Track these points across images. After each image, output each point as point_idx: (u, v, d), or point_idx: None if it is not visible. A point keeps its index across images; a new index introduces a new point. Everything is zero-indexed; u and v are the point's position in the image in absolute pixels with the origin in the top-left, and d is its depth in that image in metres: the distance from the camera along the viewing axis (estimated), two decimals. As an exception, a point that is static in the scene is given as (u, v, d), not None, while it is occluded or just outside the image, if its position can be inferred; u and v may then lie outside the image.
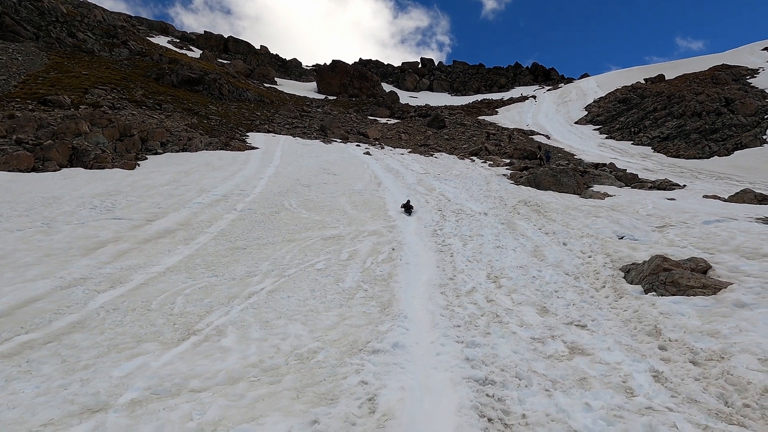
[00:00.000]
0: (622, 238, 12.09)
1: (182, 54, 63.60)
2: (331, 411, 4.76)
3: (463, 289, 9.51)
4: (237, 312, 8.97)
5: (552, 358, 6.01)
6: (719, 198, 18.18)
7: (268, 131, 41.71)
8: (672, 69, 71.16)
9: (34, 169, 21.54)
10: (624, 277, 9.38)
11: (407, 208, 17.52)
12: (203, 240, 15.04)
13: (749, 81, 53.89)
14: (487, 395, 4.95)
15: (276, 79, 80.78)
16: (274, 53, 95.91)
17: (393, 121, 57.74)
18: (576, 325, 7.22)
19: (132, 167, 23.85)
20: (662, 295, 8.02)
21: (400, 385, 5.29)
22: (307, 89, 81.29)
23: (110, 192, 20.19)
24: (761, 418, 4.32)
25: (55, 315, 8.99)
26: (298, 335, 7.56)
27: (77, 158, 22.95)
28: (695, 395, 4.83)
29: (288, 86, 79.48)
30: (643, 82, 66.55)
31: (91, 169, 22.84)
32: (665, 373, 5.39)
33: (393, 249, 12.79)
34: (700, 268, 8.86)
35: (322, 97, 73.69)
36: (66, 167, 22.60)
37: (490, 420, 4.40)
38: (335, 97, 74.13)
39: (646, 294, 8.27)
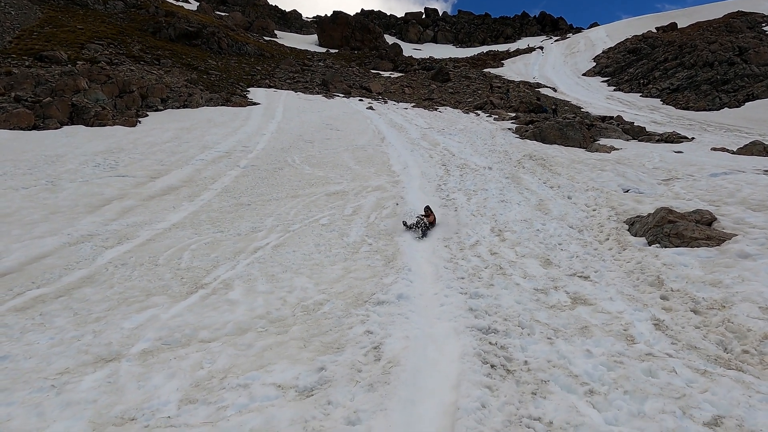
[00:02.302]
0: (627, 192, 12.00)
1: (179, 6, 61.71)
2: (338, 359, 4.88)
3: (466, 242, 9.55)
4: (243, 266, 9.07)
5: (554, 308, 6.09)
6: (727, 150, 17.92)
7: (269, 86, 40.99)
8: (685, 17, 68.63)
9: (35, 127, 21.38)
10: (628, 230, 9.37)
11: (421, 227, 10.22)
12: (208, 196, 15.06)
13: (765, 29, 52.04)
14: (489, 343, 5.04)
15: (276, 31, 78.62)
16: (273, 4, 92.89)
17: (396, 74, 56.51)
18: (579, 277, 7.27)
19: (133, 124, 23.63)
20: (666, 247, 8.03)
21: (405, 335, 5.39)
22: (307, 42, 79.22)
23: (112, 149, 20.08)
24: (759, 363, 4.40)
25: (64, 270, 9.13)
26: (304, 288, 7.67)
27: (77, 115, 22.72)
28: (695, 342, 4.91)
29: (288, 39, 77.44)
30: (655, 31, 64.35)
31: (92, 126, 22.64)
32: (666, 321, 5.46)
33: (397, 204, 12.78)
34: (705, 220, 8.83)
35: (324, 50, 71.88)
36: (67, 125, 22.41)
37: (492, 366, 4.50)
38: (337, 51, 72.32)
39: (650, 246, 8.28)
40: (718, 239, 7.85)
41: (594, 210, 10.98)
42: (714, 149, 18.57)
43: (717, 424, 3.40)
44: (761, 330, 4.86)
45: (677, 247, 7.93)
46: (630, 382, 4.05)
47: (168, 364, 5.14)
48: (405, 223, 10.37)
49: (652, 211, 9.36)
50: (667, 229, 8.41)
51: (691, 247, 7.82)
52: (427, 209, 10.85)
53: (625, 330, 5.28)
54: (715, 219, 8.87)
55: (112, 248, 10.50)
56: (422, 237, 10.00)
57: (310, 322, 6.27)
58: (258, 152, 20.91)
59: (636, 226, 9.29)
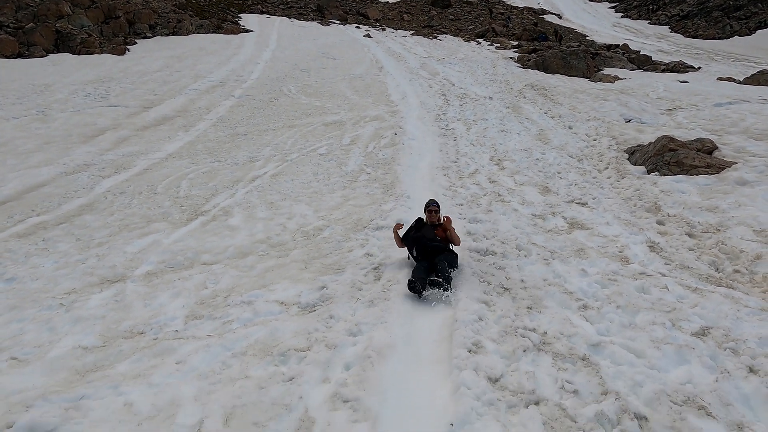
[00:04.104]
0: (629, 121, 11.83)
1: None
2: (338, 278, 4.99)
3: (465, 171, 9.52)
4: (242, 194, 9.07)
5: (551, 232, 6.17)
6: (734, 80, 17.50)
7: (262, 12, 39.16)
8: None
9: (20, 55, 20.60)
10: (628, 159, 9.33)
11: (437, 283, 4.63)
12: (203, 127, 14.81)
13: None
14: (487, 264, 5.15)
15: (267, -47, 73.96)
16: None
17: None
18: (577, 203, 7.32)
19: (121, 52, 22.77)
20: (665, 175, 8.02)
21: (404, 256, 5.48)
22: (301, -35, 74.81)
23: (102, 78, 19.49)
24: (749, 282, 4.53)
25: (63, 199, 9.12)
26: (304, 215, 7.71)
27: (63, 43, 21.83)
28: (688, 263, 5.02)
29: (280, -38, 73.04)
30: (668, -47, 60.79)
31: (79, 54, 21.83)
32: (661, 244, 5.56)
33: (395, 134, 12.61)
34: (706, 148, 8.76)
35: (318, -26, 67.99)
36: (52, 53, 21.59)
37: (488, 283, 4.62)
38: (332, -26, 68.42)
39: (649, 174, 8.27)
40: (717, 167, 7.83)
41: (594, 140, 10.86)
42: (720, 79, 18.14)
43: (704, 334, 3.54)
44: (753, 251, 4.96)
45: (676, 175, 7.92)
46: (623, 298, 4.17)
47: (172, 284, 5.26)
48: (412, 284, 4.61)
49: (653, 140, 9.27)
50: (668, 157, 8.36)
51: (691, 174, 7.81)
52: (431, 206, 5.68)
53: (620, 252, 5.37)
54: (717, 148, 8.80)
55: (109, 177, 10.45)
56: (447, 290, 4.55)
57: (310, 246, 6.35)
58: (252, 82, 20.34)
59: (636, 155, 9.24)
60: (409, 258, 5.40)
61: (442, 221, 5.44)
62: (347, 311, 4.21)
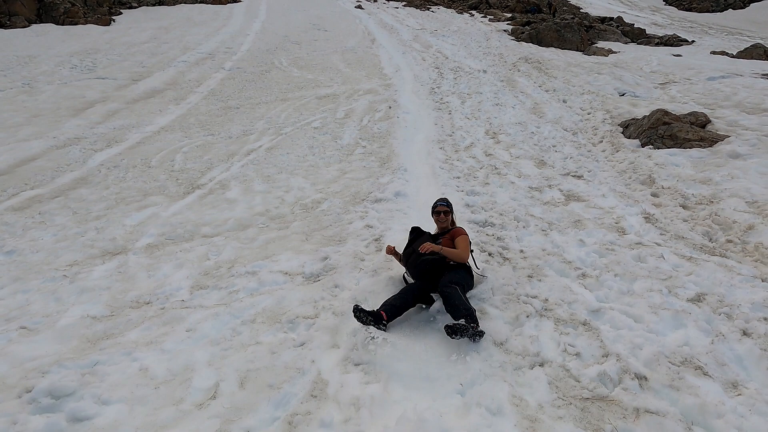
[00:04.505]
0: (623, 95, 11.86)
1: None
2: (340, 249, 5.05)
3: (461, 144, 9.53)
4: (238, 168, 9.04)
5: (549, 204, 6.25)
6: (727, 54, 17.51)
7: (250, -18, 38.11)
8: None
9: (1, 26, 20.01)
10: (622, 132, 9.39)
11: (460, 329, 3.16)
12: (194, 100, 14.60)
13: None
14: (486, 234, 5.23)
15: None
16: None
17: (386, -29, 52.69)
18: (572, 176, 7.39)
19: (107, 23, 22.19)
20: (659, 148, 8.11)
21: (405, 228, 5.50)
22: (289, -67, 72.70)
23: (88, 50, 19.04)
24: (741, 251, 4.66)
25: (56, 172, 9.03)
26: (301, 188, 7.72)
27: (46, 13, 21.21)
28: (683, 233, 5.13)
29: (268, -71, 70.91)
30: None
31: (62, 25, 21.24)
32: (656, 215, 5.67)
33: (390, 107, 12.53)
34: (700, 122, 8.84)
35: (307, -58, 66.15)
36: (35, 23, 21.00)
37: (490, 254, 4.70)
38: (321, -57, 66.63)
39: (643, 147, 8.35)
40: (710, 140, 7.92)
41: (589, 113, 10.90)
42: (714, 53, 18.13)
43: (700, 300, 3.66)
44: (746, 222, 5.08)
45: (670, 148, 8.00)
46: (620, 267, 4.28)
47: (175, 256, 5.28)
48: (357, 312, 3.48)
49: (648, 114, 9.32)
50: (662, 130, 8.44)
51: (684, 148, 7.90)
52: (439, 206, 4.44)
53: (616, 223, 5.47)
54: (710, 121, 8.88)
55: (101, 151, 10.33)
56: (477, 333, 3.25)
57: (310, 218, 6.39)
58: (243, 54, 19.99)
59: (630, 128, 9.30)
60: (406, 282, 4.12)
61: (454, 226, 4.36)
62: (351, 281, 4.28)
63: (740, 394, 2.67)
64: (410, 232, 4.32)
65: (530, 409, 2.56)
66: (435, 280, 3.79)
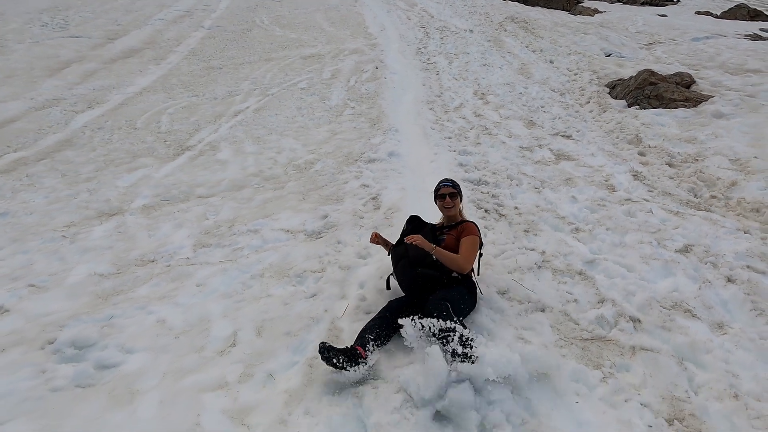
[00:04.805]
0: (609, 56, 11.91)
1: None
2: (339, 208, 5.12)
3: (450, 105, 9.54)
4: (226, 129, 8.94)
5: (540, 163, 6.38)
6: (712, 14, 17.59)
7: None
8: None
9: (-37, -21, 18.90)
10: (609, 93, 9.49)
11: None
12: (175, 59, 14.20)
13: None
14: (481, 192, 5.35)
15: None
16: None
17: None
18: (561, 136, 7.51)
19: (76, -23, 21.08)
20: (645, 108, 8.25)
21: (400, 186, 5.63)
22: None
23: (58, 6, 18.23)
24: (724, 206, 4.87)
25: (38, 134, 8.83)
26: (293, 149, 7.70)
27: (10, -35, 20.02)
28: (669, 189, 5.33)
29: None
30: None
31: (29, -22, 20.15)
32: (643, 173, 5.85)
33: (377, 67, 12.39)
34: (685, 82, 8.99)
35: None
36: (-1, -24, 19.86)
37: (486, 211, 4.83)
38: None
39: (630, 108, 8.49)
40: (695, 100, 8.09)
41: (576, 74, 10.96)
42: (698, 13, 18.19)
43: (687, 251, 3.87)
44: (729, 178, 5.29)
45: (656, 108, 8.16)
46: (611, 221, 4.46)
47: (173, 216, 5.29)
48: (323, 351, 2.55)
49: (634, 74, 9.43)
50: (648, 91, 8.57)
51: (670, 108, 8.06)
52: (445, 186, 3.48)
53: (606, 180, 5.64)
54: (694, 82, 9.03)
55: (83, 112, 10.09)
56: (468, 359, 2.38)
57: (305, 179, 6.41)
58: (222, 12, 19.37)
59: (617, 89, 9.40)
60: (388, 287, 3.31)
61: (463, 218, 3.46)
62: (353, 237, 4.37)
63: (726, 333, 2.88)
64: (407, 221, 3.40)
65: (536, 348, 2.74)
66: (424, 294, 2.96)
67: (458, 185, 3.50)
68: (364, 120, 9.09)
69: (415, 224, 3.37)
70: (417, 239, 3.00)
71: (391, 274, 3.27)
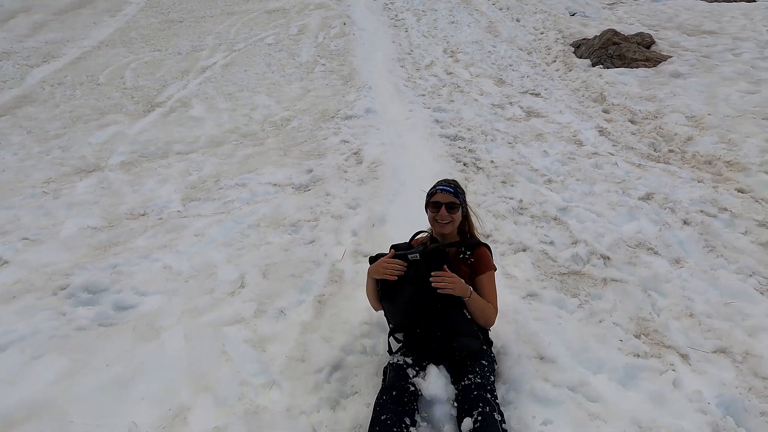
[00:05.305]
0: (574, 15, 12.18)
1: None
2: (322, 162, 5.25)
3: (421, 63, 9.62)
4: (195, 85, 8.77)
5: (511, 120, 6.65)
6: (668, -24, 18.01)
7: None
8: None
9: None
10: (574, 53, 9.79)
11: None
12: (131, 11, 13.55)
13: None
14: (459, 147, 5.58)
15: None
16: None
17: None
18: (531, 94, 7.79)
19: None
20: (608, 68, 8.61)
21: (380, 142, 5.78)
22: None
23: (-4, -50, 16.82)
24: (681, 159, 5.29)
25: (-8, 89, 8.42)
26: (267, 106, 7.68)
27: None
28: (632, 144, 5.72)
29: None
30: None
31: None
32: (608, 129, 6.21)
33: (344, 24, 12.21)
34: (646, 42, 9.37)
35: None
36: None
37: (465, 164, 5.08)
38: None
39: (594, 67, 8.82)
40: (655, 60, 8.49)
41: (542, 33, 11.18)
42: (656, -25, 18.58)
43: (649, 198, 4.26)
44: (685, 134, 5.71)
45: (618, 68, 8.53)
46: (581, 173, 4.80)
47: (155, 172, 5.29)
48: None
49: (598, 34, 9.73)
50: (611, 50, 8.90)
51: (631, 67, 8.44)
52: (442, 189, 2.45)
53: (574, 136, 5.98)
54: (654, 42, 9.43)
55: (38, 67, 9.62)
56: None
57: (283, 135, 6.46)
58: (179, -40, 18.38)
59: (582, 48, 9.70)
60: (390, 342, 2.36)
61: (472, 237, 2.58)
62: (340, 189, 4.54)
63: (682, 267, 3.28)
64: (408, 244, 2.47)
65: (520, 281, 3.05)
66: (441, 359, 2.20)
67: (462, 192, 2.51)
68: (336, 77, 9.09)
69: (407, 254, 2.24)
70: (449, 282, 2.09)
71: (388, 319, 2.36)
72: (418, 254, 2.17)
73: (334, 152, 5.62)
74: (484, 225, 3.09)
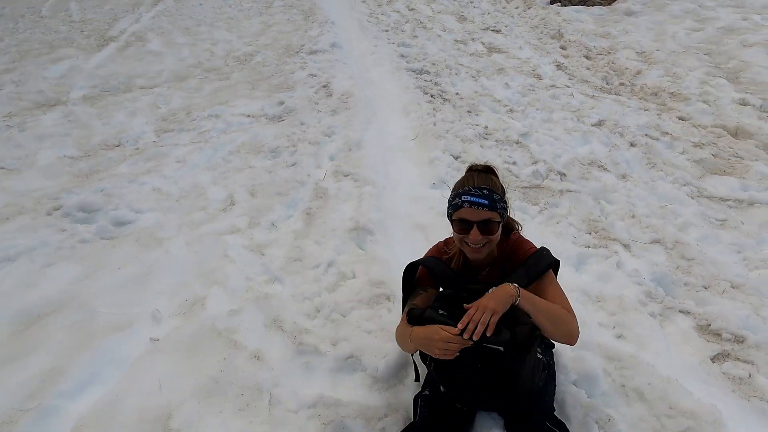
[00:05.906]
0: (532, -47, 12.18)
1: None
2: (293, 95, 5.32)
3: (383, -1, 9.55)
4: (148, 19, 8.44)
5: (474, 55, 6.84)
6: None
7: None
8: None
9: None
10: (532, -10, 9.94)
11: None
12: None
13: None
14: (425, 80, 5.76)
15: None
16: None
17: None
18: (491, 30, 7.96)
19: None
20: (566, 6, 8.85)
21: (349, 75, 5.88)
22: None
23: None
24: (630, 91, 5.69)
25: None
26: (228, 40, 7.54)
27: None
28: (586, 78, 6.06)
29: None
30: None
31: None
32: (565, 64, 6.52)
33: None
34: (601, -19, 9.61)
35: None
36: None
37: (432, 96, 5.28)
38: None
39: (552, 5, 9.04)
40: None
41: (502, -30, 11.20)
42: None
43: (601, 124, 4.64)
44: (635, 68, 6.10)
45: (575, 5, 8.78)
46: (540, 103, 5.12)
47: (121, 105, 5.23)
48: None
49: (556, -29, 9.87)
50: (568, -12, 9.12)
51: (587, 5, 8.71)
52: (481, 207, 1.59)
53: (533, 71, 6.25)
54: (609, -19, 9.68)
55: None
56: None
57: (248, 70, 6.42)
58: None
59: (540, -14, 9.85)
60: (417, 378, 1.91)
61: (513, 243, 1.86)
62: (314, 119, 4.67)
63: (628, 180, 3.69)
64: (411, 275, 1.84)
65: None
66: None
67: (500, 195, 1.70)
68: (296, 12, 8.94)
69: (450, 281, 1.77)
70: (482, 315, 1.45)
71: (430, 366, 1.67)
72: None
73: (303, 85, 5.69)
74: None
